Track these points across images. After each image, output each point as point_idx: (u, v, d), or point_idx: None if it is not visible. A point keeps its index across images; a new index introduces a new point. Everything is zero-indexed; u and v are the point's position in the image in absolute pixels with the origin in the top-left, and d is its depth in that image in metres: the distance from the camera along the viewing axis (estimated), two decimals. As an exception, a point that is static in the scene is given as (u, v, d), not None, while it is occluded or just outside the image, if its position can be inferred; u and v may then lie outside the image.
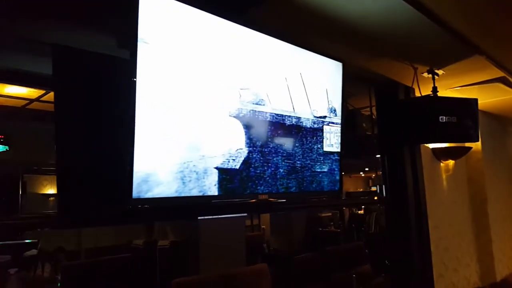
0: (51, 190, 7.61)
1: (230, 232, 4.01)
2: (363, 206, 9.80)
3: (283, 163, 2.61)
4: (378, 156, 5.87)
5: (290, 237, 8.00)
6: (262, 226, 8.43)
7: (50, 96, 4.25)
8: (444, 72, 3.80)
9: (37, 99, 4.52)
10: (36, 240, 5.30)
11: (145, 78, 1.93)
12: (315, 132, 2.86)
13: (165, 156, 2.00)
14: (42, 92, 4.20)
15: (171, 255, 4.84)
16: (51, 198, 7.58)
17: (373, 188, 11.47)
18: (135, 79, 1.90)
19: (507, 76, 3.98)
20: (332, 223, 9.62)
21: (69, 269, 3.64)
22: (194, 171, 2.12)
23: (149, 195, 1.94)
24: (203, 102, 2.18)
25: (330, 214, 9.76)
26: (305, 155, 2.77)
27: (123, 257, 3.92)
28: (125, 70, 1.95)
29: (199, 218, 3.33)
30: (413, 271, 3.92)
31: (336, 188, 2.99)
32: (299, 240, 8.05)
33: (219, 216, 3.44)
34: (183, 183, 2.07)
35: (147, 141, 1.94)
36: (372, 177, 12.36)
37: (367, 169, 10.25)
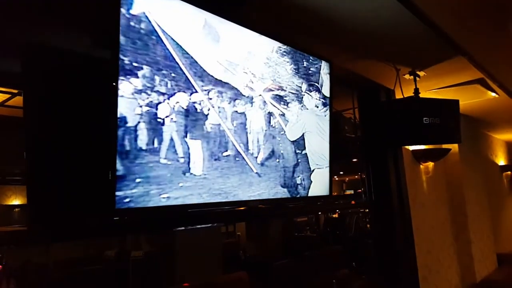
0: (16, 201, 7.22)
1: (206, 240, 3.87)
2: (337, 210, 9.80)
3: (274, 167, 2.49)
4: (355, 160, 5.84)
5: (266, 243, 7.87)
6: (237, 233, 8.27)
7: (16, 100, 3.97)
8: (426, 74, 3.80)
9: (1, 104, 4.21)
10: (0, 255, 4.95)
11: (128, 76, 1.77)
12: (305, 135, 2.75)
13: (150, 161, 1.84)
14: (7, 96, 3.91)
15: (145, 266, 4.63)
16: (16, 209, 7.18)
17: (347, 192, 11.53)
18: (115, 84, 1.73)
19: (486, 78, 4.02)
20: (308, 227, 9.56)
21: (36, 284, 3.41)
22: (182, 178, 1.96)
23: (133, 204, 1.77)
24: (188, 102, 2.03)
25: (306, 218, 9.70)
26: (296, 158, 2.66)
27: (94, 269, 3.72)
28: (105, 71, 1.79)
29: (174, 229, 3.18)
30: (399, 274, 3.87)
31: (327, 193, 2.89)
32: (275, 246, 7.94)
33: (197, 226, 3.31)
34: (170, 190, 1.91)
35: (130, 146, 1.77)
36: (346, 181, 12.43)
37: (341, 172, 10.27)
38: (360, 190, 4.91)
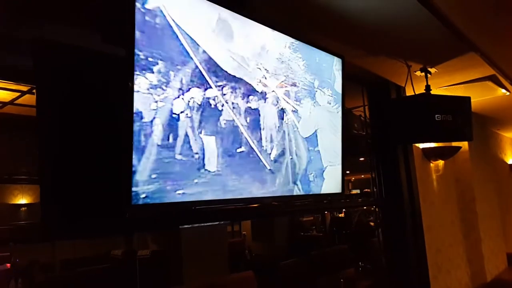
0: (23, 200, 7.22)
1: (212, 239, 3.85)
2: (343, 210, 9.78)
3: (287, 164, 2.46)
4: (362, 158, 5.80)
5: (272, 243, 7.85)
6: (243, 232, 8.24)
7: (25, 99, 3.96)
8: (437, 70, 3.76)
9: (10, 103, 4.20)
10: (7, 254, 4.95)
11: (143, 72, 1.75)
12: (318, 132, 2.73)
13: (165, 157, 1.82)
14: (17, 94, 3.90)
15: (152, 265, 4.62)
16: (23, 208, 7.18)
17: (353, 191, 11.46)
18: (131, 79, 1.71)
19: (497, 74, 3.98)
20: (314, 227, 9.54)
21: (43, 283, 3.39)
22: (197, 174, 1.94)
23: (149, 200, 1.75)
24: (203, 97, 2.01)
25: (312, 218, 9.67)
26: (308, 155, 2.63)
27: (101, 269, 3.69)
28: (120, 66, 1.77)
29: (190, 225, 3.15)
30: (409, 274, 3.83)
31: (339, 190, 2.87)
32: (281, 246, 7.91)
33: (202, 224, 3.28)
34: (186, 186, 1.89)
35: (145, 141, 1.75)
36: (352, 180, 12.36)
37: (348, 172, 10.21)
38: (368, 190, 4.88)
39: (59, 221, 1.78)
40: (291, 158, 2.51)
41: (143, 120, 1.75)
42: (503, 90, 4.57)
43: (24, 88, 3.48)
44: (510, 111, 5.72)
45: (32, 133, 1.86)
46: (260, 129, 2.31)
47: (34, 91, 1.94)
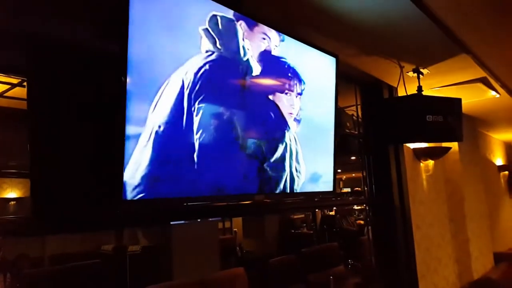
0: (12, 193, 7.13)
1: (203, 236, 3.86)
2: (334, 208, 9.85)
3: (279, 162, 2.47)
4: (353, 158, 5.84)
5: (263, 240, 7.88)
6: (234, 229, 8.26)
7: (15, 91, 3.91)
8: (429, 71, 3.79)
9: (0, 95, 4.15)
10: (-4, 248, 4.90)
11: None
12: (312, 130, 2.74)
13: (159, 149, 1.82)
14: (7, 87, 3.85)
15: (143, 261, 4.61)
16: (12, 202, 7.10)
17: (344, 190, 11.58)
18: (124, 79, 1.70)
19: (488, 76, 4.02)
20: (305, 224, 9.58)
21: (30, 277, 3.36)
22: (190, 170, 1.94)
23: (142, 196, 1.74)
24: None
25: (303, 215, 9.72)
26: (302, 154, 2.64)
27: (91, 264, 3.67)
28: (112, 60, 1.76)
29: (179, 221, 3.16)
30: (398, 272, 3.87)
31: (331, 189, 2.88)
32: (272, 243, 7.95)
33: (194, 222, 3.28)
34: (178, 182, 1.89)
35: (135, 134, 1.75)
36: (343, 179, 12.44)
37: (339, 170, 10.27)
38: (359, 189, 4.92)
39: (49, 215, 1.77)
40: (284, 156, 2.50)
41: (136, 116, 1.74)
42: (493, 93, 4.62)
43: (15, 81, 3.44)
44: (500, 113, 5.80)
45: (22, 126, 1.84)
46: (258, 131, 2.30)
47: (25, 83, 1.92)
